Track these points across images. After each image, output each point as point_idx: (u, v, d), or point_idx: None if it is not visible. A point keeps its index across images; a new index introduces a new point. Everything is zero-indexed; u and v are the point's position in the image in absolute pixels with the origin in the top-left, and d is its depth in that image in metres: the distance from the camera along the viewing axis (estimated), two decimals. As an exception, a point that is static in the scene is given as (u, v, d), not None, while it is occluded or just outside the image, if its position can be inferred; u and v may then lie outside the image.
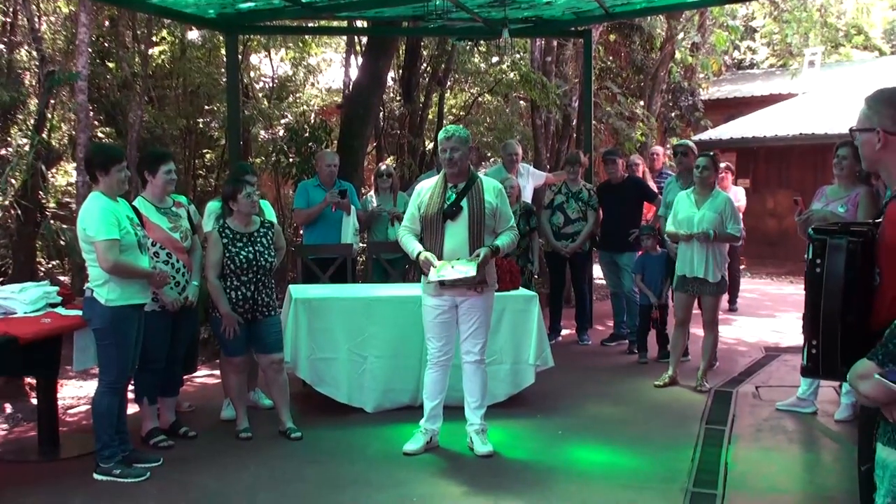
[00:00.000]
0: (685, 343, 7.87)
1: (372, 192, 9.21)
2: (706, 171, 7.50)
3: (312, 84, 17.11)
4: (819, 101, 18.03)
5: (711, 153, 7.93)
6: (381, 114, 14.12)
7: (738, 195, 11.33)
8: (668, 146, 17.74)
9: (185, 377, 7.08)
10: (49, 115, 11.29)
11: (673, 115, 18.40)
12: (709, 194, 7.50)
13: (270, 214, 7.13)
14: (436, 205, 5.81)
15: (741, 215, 8.89)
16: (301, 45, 15.96)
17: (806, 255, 2.87)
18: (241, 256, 6.11)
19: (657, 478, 5.49)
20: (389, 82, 14.12)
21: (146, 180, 6.08)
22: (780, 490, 5.35)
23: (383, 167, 9.57)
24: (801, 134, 15.70)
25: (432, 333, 5.95)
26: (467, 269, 5.61)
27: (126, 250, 5.37)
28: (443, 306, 5.85)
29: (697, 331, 8.72)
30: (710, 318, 7.64)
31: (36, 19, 11.78)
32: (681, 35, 17.09)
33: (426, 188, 5.96)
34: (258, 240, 6.26)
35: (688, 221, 7.45)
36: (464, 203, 5.78)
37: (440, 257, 5.75)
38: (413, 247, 5.86)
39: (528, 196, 9.87)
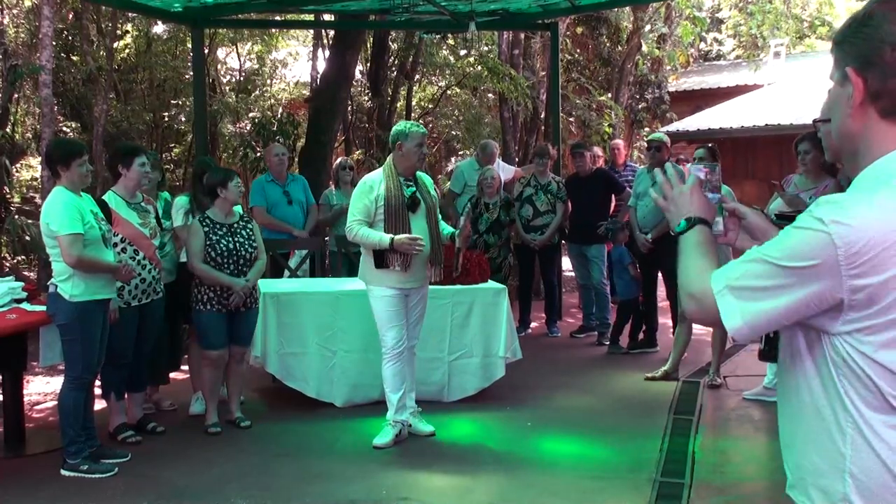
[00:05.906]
0: (689, 336, 7.80)
1: (332, 187, 9.13)
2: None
3: (280, 78, 17.04)
4: (785, 92, 18.13)
5: (716, 163, 7.56)
6: (349, 107, 14.11)
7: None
8: (644, 138, 17.81)
9: (169, 373, 7.14)
10: (13, 110, 11.18)
11: (640, 107, 18.44)
12: None
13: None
14: (397, 198, 5.86)
15: None
16: (267, 38, 15.90)
17: None
18: (222, 245, 6.16)
19: (625, 468, 5.52)
20: (357, 76, 14.10)
21: (119, 174, 6.03)
22: (746, 478, 5.40)
23: (344, 160, 9.50)
24: (766, 125, 15.78)
25: (390, 324, 5.95)
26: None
27: (90, 244, 5.32)
28: (399, 295, 5.92)
29: (666, 321, 8.80)
30: None
31: (-2, 12, 11.67)
32: (647, 27, 17.15)
33: (377, 181, 5.97)
34: (238, 231, 6.31)
35: None
36: (418, 195, 5.97)
37: None
38: (379, 235, 5.81)
39: (496, 189, 9.88)
